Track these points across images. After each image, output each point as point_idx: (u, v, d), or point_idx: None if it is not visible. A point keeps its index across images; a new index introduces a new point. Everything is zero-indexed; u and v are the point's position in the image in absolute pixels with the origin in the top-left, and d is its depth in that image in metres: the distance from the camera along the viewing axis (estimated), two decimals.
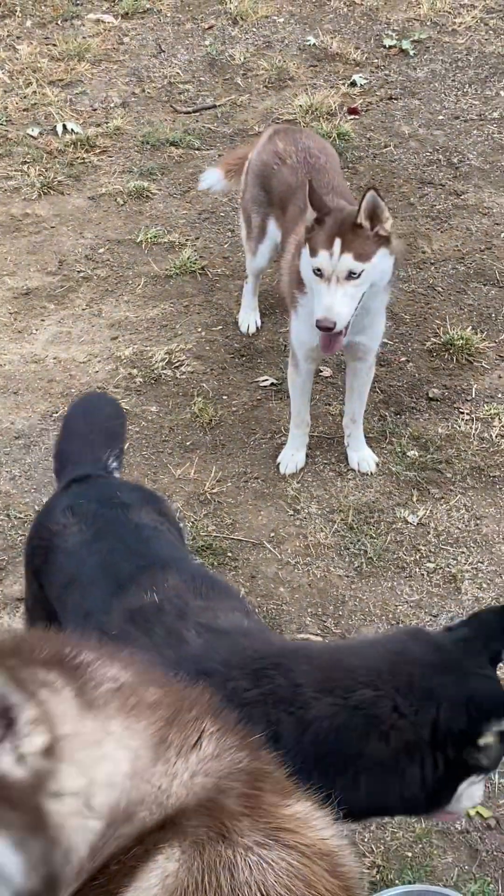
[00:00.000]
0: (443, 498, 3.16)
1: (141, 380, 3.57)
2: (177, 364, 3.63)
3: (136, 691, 1.24)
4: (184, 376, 3.59)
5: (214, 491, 3.19)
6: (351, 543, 3.03)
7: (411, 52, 5.14)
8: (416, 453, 3.29)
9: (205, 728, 1.23)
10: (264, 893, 1.12)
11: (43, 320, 3.84)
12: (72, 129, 4.69)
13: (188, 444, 3.36)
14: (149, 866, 1.14)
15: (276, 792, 1.21)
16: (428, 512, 3.12)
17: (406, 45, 5.17)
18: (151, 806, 1.17)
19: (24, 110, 4.79)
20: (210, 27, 5.28)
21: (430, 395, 3.49)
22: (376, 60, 5.13)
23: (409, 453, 3.29)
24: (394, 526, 3.09)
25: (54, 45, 5.17)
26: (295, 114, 4.74)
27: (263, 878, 1.12)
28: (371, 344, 3.12)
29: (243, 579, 2.92)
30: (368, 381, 3.23)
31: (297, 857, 1.15)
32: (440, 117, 4.75)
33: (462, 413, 3.42)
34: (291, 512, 3.13)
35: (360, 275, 2.84)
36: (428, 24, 5.34)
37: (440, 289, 3.89)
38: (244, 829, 1.14)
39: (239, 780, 1.18)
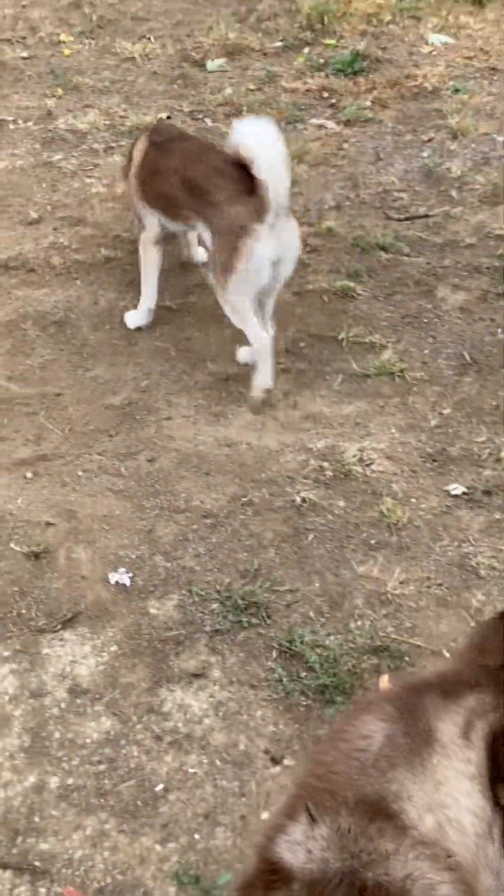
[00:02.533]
0: None
1: (331, 473, 3.59)
2: (368, 462, 3.64)
3: None
4: (374, 475, 3.59)
5: (396, 592, 3.15)
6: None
7: None
8: None
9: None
10: None
11: (239, 406, 3.92)
12: None
13: (373, 542, 3.34)
14: None
15: None
16: None
17: None
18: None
19: None
20: (429, 140, 5.40)
21: None
22: None
23: None
24: None
25: None
26: None
27: None
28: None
29: None
30: None
31: None
32: None
33: None
34: (474, 623, 3.06)
35: None
36: None
37: None
38: None
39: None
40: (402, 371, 4.04)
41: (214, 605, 3.12)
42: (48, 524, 3.39)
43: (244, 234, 3.77)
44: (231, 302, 3.89)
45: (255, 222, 3.73)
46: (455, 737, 1.30)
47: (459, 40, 6.38)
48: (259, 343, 3.89)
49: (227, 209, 3.80)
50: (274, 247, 3.78)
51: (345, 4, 6.62)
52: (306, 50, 6.16)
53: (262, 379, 3.93)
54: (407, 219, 4.93)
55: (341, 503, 3.49)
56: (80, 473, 3.62)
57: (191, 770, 2.71)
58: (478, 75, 5.99)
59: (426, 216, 4.93)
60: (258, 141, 3.68)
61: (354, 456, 3.65)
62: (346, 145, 5.43)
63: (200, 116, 5.67)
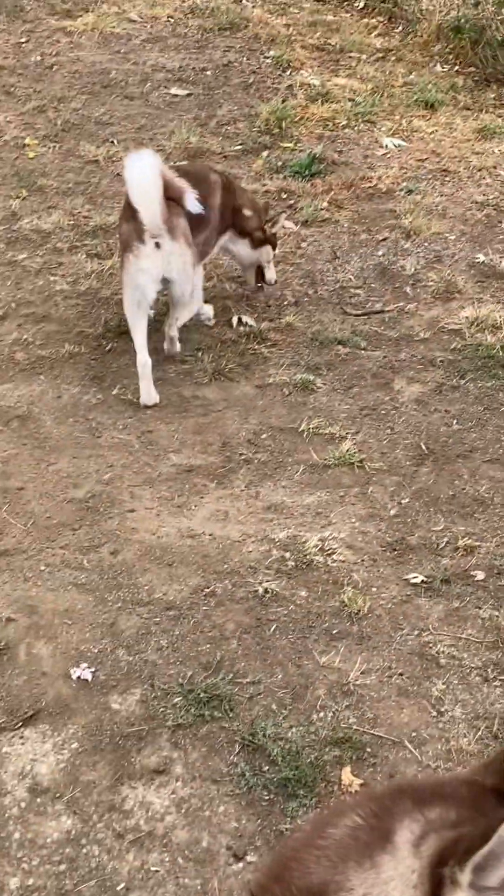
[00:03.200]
0: None
1: (293, 563, 3.62)
2: (329, 551, 3.67)
3: None
4: (335, 564, 3.63)
5: (358, 683, 3.16)
6: (495, 753, 2.94)
7: None
8: None
9: None
10: None
11: (202, 497, 3.96)
12: (246, 322, 4.94)
13: (334, 632, 3.36)
14: None
15: None
16: None
17: None
18: None
19: (203, 303, 5.08)
20: (384, 239, 5.55)
21: None
22: None
23: None
24: None
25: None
26: (460, 324, 4.91)
27: None
28: None
29: (381, 777, 2.86)
30: None
31: None
32: None
33: None
34: (435, 713, 3.07)
35: None
36: None
37: None
38: None
39: None
40: (361, 461, 4.10)
41: (177, 699, 3.11)
42: (9, 620, 3.38)
43: (127, 249, 4.35)
44: (125, 312, 4.47)
45: (136, 240, 4.28)
46: (408, 843, 1.32)
47: (412, 143, 6.62)
48: (139, 363, 4.39)
49: (122, 227, 4.46)
50: (159, 265, 4.29)
51: (302, 109, 6.86)
52: (265, 153, 6.36)
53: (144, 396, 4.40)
54: (363, 314, 5.05)
55: (303, 593, 3.51)
56: (42, 568, 3.62)
57: (153, 868, 2.68)
58: (430, 177, 6.20)
59: (382, 311, 5.06)
60: (130, 172, 4.26)
61: (316, 546, 3.69)
62: (304, 244, 5.58)
63: None
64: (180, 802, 2.84)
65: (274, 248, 5.02)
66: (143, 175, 4.19)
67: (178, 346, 4.66)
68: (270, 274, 5.07)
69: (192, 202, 4.40)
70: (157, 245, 4.27)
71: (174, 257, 4.32)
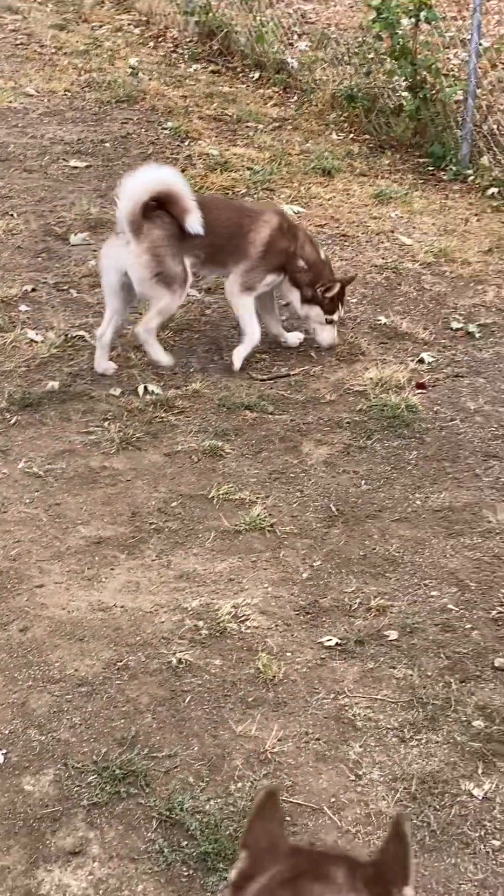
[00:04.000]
0: None
1: (206, 632, 3.60)
2: (242, 618, 3.66)
3: None
4: (248, 631, 3.61)
5: (275, 750, 3.14)
6: (414, 814, 2.94)
7: (477, 335, 5.44)
8: (482, 724, 3.23)
9: None
10: None
11: (113, 569, 3.92)
12: (152, 391, 4.95)
13: (250, 699, 3.34)
14: None
15: None
16: (494, 786, 3.03)
17: (472, 328, 5.49)
18: None
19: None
20: (287, 304, 5.61)
21: (497, 665, 3.45)
22: (443, 341, 5.42)
23: (474, 723, 3.24)
24: (458, 799, 2.99)
25: (140, 313, 5.53)
26: (365, 385, 4.99)
27: None
28: None
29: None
30: None
31: None
32: None
33: None
34: (353, 777, 3.05)
35: None
36: (493, 309, 5.68)
37: None
38: None
39: None
40: (272, 526, 4.11)
41: (91, 777, 3.04)
42: None
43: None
44: None
45: (115, 230, 4.99)
46: None
47: (311, 209, 6.76)
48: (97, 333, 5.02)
49: None
50: (121, 257, 4.86)
51: (201, 179, 6.96)
52: None
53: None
54: (270, 378, 5.10)
55: (217, 662, 3.48)
56: None
57: None
58: (330, 241, 6.33)
59: (288, 375, 5.12)
60: (137, 172, 4.95)
61: (229, 613, 3.67)
62: (207, 311, 5.63)
63: (66, 288, 5.81)
64: (98, 883, 2.77)
65: (327, 313, 5.16)
66: (136, 177, 4.83)
67: (157, 352, 5.05)
68: (320, 337, 5.25)
69: (193, 224, 4.83)
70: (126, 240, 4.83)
71: (131, 256, 4.81)
